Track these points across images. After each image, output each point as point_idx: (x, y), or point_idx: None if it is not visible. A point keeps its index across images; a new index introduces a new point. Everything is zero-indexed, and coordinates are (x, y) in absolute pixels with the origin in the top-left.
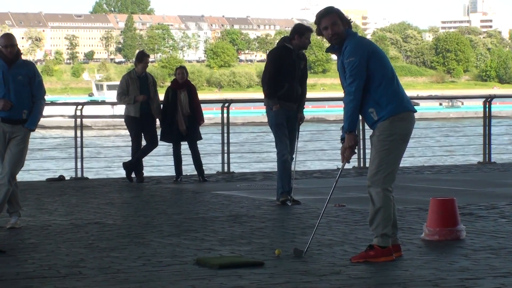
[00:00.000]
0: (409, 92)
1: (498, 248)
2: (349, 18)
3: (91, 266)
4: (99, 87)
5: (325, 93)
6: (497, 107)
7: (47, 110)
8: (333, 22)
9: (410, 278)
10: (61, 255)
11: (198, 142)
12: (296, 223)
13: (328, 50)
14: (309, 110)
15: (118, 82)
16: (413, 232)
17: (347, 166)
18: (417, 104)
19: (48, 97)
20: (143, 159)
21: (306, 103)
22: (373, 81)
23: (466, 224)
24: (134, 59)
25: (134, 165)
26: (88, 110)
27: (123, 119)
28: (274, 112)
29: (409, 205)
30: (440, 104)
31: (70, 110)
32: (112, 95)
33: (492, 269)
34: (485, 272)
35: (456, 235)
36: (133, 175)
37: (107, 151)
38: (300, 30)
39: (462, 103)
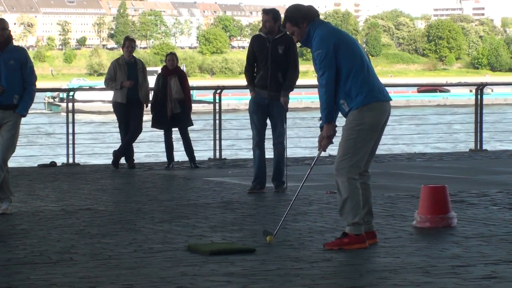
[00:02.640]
0: (411, 79)
1: (489, 236)
2: (310, 10)
3: (82, 252)
4: None
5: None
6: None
7: (87, 95)
8: (291, 33)
9: (401, 265)
10: (53, 241)
11: (191, 128)
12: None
13: (302, 45)
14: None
15: (152, 68)
16: (405, 220)
17: (323, 154)
18: (448, 91)
19: (87, 83)
20: (133, 146)
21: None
22: (341, 72)
23: (457, 211)
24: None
25: (122, 152)
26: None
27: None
28: (250, 99)
29: (401, 192)
30: (471, 91)
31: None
32: (151, 81)
33: (483, 257)
34: (476, 259)
35: (448, 222)
36: (123, 161)
37: (100, 137)
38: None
39: (492, 90)
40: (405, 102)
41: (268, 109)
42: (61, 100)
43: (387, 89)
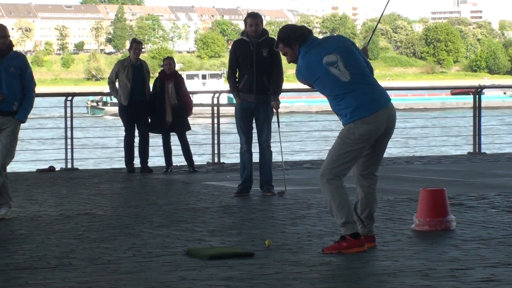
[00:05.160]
0: (409, 83)
1: (488, 239)
2: (303, 32)
3: (81, 257)
4: None
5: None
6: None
7: None
8: (284, 54)
9: (400, 268)
10: (51, 246)
11: (189, 132)
12: (286, 213)
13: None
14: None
15: (194, 72)
16: (404, 223)
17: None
18: (483, 93)
19: None
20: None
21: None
22: (327, 98)
23: (456, 214)
24: (125, 49)
25: (143, 161)
26: None
27: (199, 107)
28: (236, 105)
29: (400, 196)
30: (504, 93)
31: None
32: (191, 85)
33: (482, 259)
34: (475, 262)
35: (446, 226)
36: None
37: (98, 141)
38: (245, 20)
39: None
40: (440, 105)
41: (254, 113)
42: (104, 104)
43: (421, 92)
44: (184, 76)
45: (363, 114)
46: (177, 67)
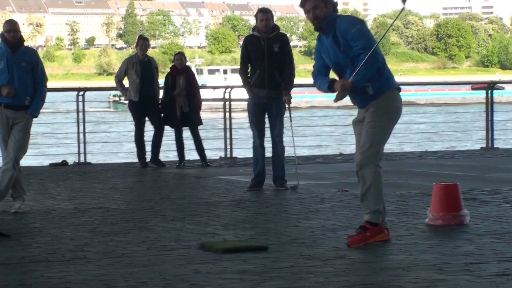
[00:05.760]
0: (421, 78)
1: (502, 233)
2: (335, 1)
3: (95, 250)
4: (199, 72)
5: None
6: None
7: None
8: (314, 6)
9: (414, 262)
10: (66, 239)
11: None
12: (299, 208)
13: (316, 29)
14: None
15: (215, 67)
16: (417, 217)
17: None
18: (503, 88)
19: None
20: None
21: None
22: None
23: (469, 209)
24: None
25: (154, 156)
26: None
27: (222, 102)
28: (248, 100)
29: (413, 190)
30: None
31: None
32: (213, 79)
33: (497, 254)
34: (489, 256)
35: (460, 220)
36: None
37: (111, 135)
38: (256, 15)
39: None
40: (461, 100)
41: (267, 108)
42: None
43: (442, 87)
44: (205, 71)
45: (397, 84)
46: (198, 62)
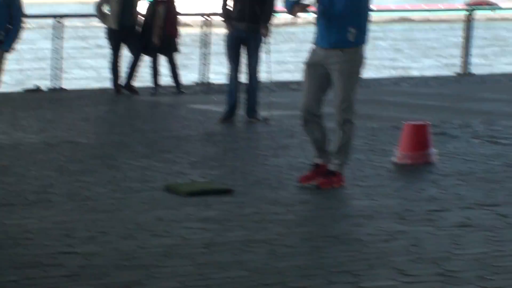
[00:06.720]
0: None
1: (467, 174)
2: None
3: (60, 192)
4: None
5: None
6: None
7: None
8: None
9: (377, 209)
10: (31, 178)
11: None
12: (270, 143)
13: None
14: None
15: None
16: (385, 154)
17: None
18: (496, 4)
19: None
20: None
21: None
22: (364, 2)
23: (438, 145)
24: None
25: (127, 82)
26: None
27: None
28: (227, 34)
29: (384, 123)
30: None
31: None
32: None
33: (459, 199)
34: (452, 202)
35: (427, 159)
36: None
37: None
38: None
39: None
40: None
41: (245, 41)
42: None
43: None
44: None
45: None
46: None
